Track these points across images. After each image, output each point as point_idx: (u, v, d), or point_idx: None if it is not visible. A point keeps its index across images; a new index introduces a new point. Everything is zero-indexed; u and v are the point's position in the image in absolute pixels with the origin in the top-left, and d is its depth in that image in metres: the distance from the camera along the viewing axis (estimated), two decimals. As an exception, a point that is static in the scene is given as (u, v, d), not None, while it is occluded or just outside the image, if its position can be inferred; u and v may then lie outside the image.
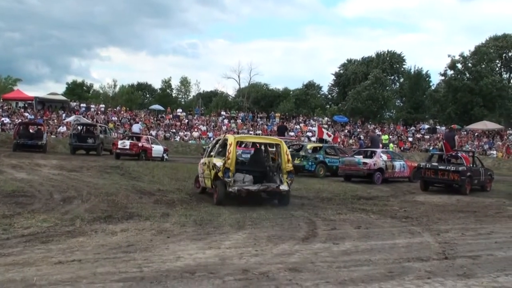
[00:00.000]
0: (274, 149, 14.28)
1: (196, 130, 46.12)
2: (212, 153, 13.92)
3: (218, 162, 12.65)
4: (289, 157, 13.06)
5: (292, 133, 44.21)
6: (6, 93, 58.75)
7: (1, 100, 50.43)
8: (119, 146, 27.85)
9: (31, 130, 31.98)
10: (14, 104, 49.91)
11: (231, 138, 13.10)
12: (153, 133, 41.67)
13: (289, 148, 23.40)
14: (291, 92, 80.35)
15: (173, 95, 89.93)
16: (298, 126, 49.74)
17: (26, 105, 48.45)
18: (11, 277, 5.59)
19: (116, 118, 46.60)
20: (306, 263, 6.71)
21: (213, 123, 49.31)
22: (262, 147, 14.73)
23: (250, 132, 44.86)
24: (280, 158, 13.11)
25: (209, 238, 8.17)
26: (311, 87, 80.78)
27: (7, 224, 8.56)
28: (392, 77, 77.26)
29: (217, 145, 13.98)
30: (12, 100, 51.01)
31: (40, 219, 9.12)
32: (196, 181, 15.14)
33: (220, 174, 12.35)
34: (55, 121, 42.46)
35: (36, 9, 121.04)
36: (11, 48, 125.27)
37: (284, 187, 12.64)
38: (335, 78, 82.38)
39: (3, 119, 40.50)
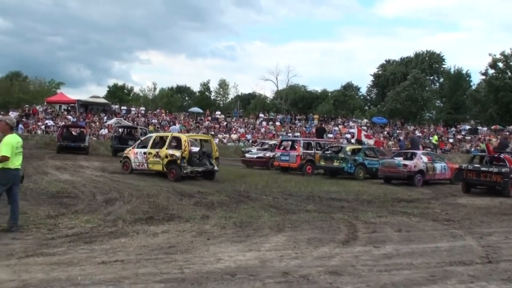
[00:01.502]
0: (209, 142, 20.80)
1: (234, 132, 46.29)
2: (146, 147, 19.86)
3: (176, 152, 18.46)
4: (215, 147, 20.17)
5: (330, 135, 43.88)
6: (50, 96, 60.25)
7: (45, 103, 51.75)
8: (159, 148, 28.17)
9: (74, 133, 32.75)
10: (57, 107, 51.10)
11: (184, 137, 19.38)
12: (192, 135, 41.97)
13: (327, 150, 23.58)
14: (329, 94, 79.95)
15: (212, 97, 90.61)
16: (336, 128, 49.39)
17: (69, 108, 49.53)
18: (56, 276, 5.72)
19: (156, 121, 47.19)
20: (346, 267, 6.65)
21: (251, 125, 49.43)
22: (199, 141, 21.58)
23: (289, 134, 44.74)
24: (211, 149, 19.89)
25: (249, 241, 8.17)
26: (349, 89, 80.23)
27: (52, 224, 8.77)
28: (432, 77, 76.08)
29: (152, 142, 19.92)
30: (56, 103, 52.24)
31: (83, 220, 9.31)
32: (124, 165, 20.42)
33: (178, 161, 18.22)
34: (97, 123, 43.29)
35: (77, 13, 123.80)
36: (54, 52, 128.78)
37: (215, 168, 19.33)
38: (373, 79, 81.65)
39: (47, 121, 41.52)
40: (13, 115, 43.65)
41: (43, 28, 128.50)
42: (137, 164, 19.83)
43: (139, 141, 21.78)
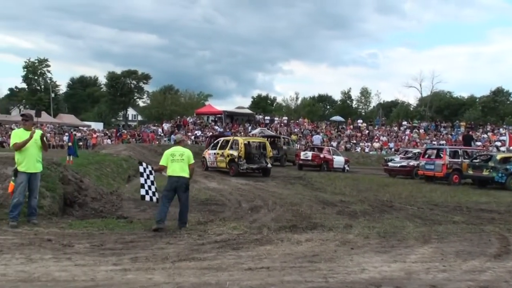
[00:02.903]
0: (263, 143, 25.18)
1: (377, 140, 45.37)
2: (215, 149, 24.59)
3: (234, 152, 22.77)
4: (270, 148, 24.51)
5: (479, 143, 41.16)
6: (199, 108, 63.76)
7: (195, 115, 54.88)
8: (302, 157, 28.54)
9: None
10: (205, 118, 53.91)
11: (240, 139, 24.01)
12: (334, 144, 41.90)
13: (475, 158, 22.25)
14: (477, 100, 75.49)
15: (353, 106, 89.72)
16: (485, 135, 46.16)
17: (216, 119, 52.03)
18: (206, 280, 6.00)
19: (298, 130, 47.82)
20: (499, 282, 6.22)
21: (394, 134, 48.06)
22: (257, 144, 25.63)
23: (434, 142, 42.80)
24: (266, 150, 23.96)
25: (394, 251, 7.95)
26: (499, 94, 74.81)
27: (202, 230, 9.24)
28: None
29: (221, 145, 24.34)
30: (204, 114, 55.16)
31: (230, 227, 9.69)
32: (202, 164, 25.28)
33: (236, 159, 22.46)
34: (242, 133, 44.89)
35: (224, 28, 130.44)
36: (202, 66, 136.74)
37: (269, 165, 23.02)
38: (528, 83, 75.28)
39: (196, 132, 43.98)
40: (166, 126, 46.95)
41: (193, 44, 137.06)
42: (210, 162, 24.76)
43: (212, 144, 26.33)
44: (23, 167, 9.11)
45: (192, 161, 9.78)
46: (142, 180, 9.88)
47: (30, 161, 9.17)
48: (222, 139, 25.73)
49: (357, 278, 6.24)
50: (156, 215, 9.42)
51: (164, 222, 9.21)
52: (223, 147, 23.94)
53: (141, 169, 9.92)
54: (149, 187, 9.86)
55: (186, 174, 9.62)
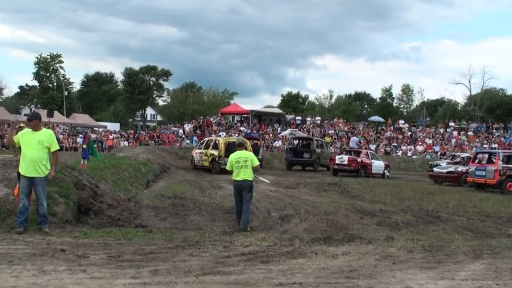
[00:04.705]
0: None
1: (420, 143, 44.90)
2: (202, 148, 28.60)
3: (215, 152, 26.68)
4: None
5: (536, 146, 40.46)
6: (223, 107, 63.96)
7: (219, 114, 55.05)
8: (337, 162, 28.41)
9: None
10: (230, 118, 54.07)
11: (221, 140, 27.85)
12: (373, 147, 41.63)
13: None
14: (535, 98, 73.88)
15: (394, 104, 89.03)
16: (546, 138, 45.34)
17: (242, 119, 52.14)
18: (233, 296, 6.02)
19: (332, 131, 47.65)
20: None
21: (439, 136, 47.48)
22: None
23: (485, 146, 42.21)
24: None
25: (441, 267, 7.84)
26: (561, 91, 73.34)
27: (227, 242, 9.26)
28: None
29: (206, 144, 28.64)
30: (229, 114, 55.32)
31: (259, 238, 9.69)
32: (191, 162, 30.09)
33: (216, 158, 26.34)
34: (271, 135, 44.91)
35: (251, 19, 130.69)
36: (227, 61, 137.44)
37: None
38: None
39: (220, 133, 44.17)
40: (187, 127, 47.28)
41: (217, 37, 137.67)
42: (197, 161, 28.95)
43: (199, 143, 31.39)
44: (23, 170, 9.29)
45: (257, 163, 11.45)
46: None
47: (30, 164, 9.30)
48: (206, 139, 30.79)
49: (400, 296, 6.18)
50: (236, 217, 11.29)
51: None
52: (208, 147, 28.03)
53: None
54: None
55: (250, 177, 11.26)
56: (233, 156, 11.36)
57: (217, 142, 27.74)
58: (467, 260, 8.49)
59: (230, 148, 25.64)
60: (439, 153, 41.65)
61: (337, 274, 7.19)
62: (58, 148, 10.00)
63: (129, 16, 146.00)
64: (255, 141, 33.95)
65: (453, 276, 7.32)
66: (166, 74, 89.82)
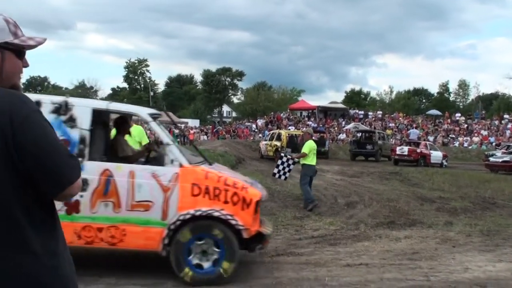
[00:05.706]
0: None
1: (476, 135, 43.24)
2: (268, 140, 29.63)
3: (278, 143, 27.03)
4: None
5: None
6: (292, 103, 63.96)
7: (288, 110, 55.12)
8: (398, 152, 27.83)
9: (313, 138, 34.22)
10: (299, 113, 53.96)
11: (283, 133, 29.09)
12: (431, 138, 40.49)
13: None
14: None
15: (451, 99, 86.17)
16: None
17: (309, 114, 51.95)
18: (305, 275, 6.05)
19: (393, 125, 46.68)
20: None
21: (494, 127, 45.53)
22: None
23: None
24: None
25: (499, 250, 7.61)
26: None
27: (298, 226, 9.30)
28: None
29: (271, 136, 29.74)
30: (297, 110, 55.24)
31: (327, 222, 9.67)
32: (259, 152, 30.25)
33: (279, 149, 25.64)
34: (336, 128, 44.53)
35: (316, 23, 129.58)
36: (295, 61, 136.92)
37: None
38: None
39: (289, 128, 44.19)
40: (260, 122, 47.60)
41: (285, 39, 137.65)
42: (263, 151, 29.36)
43: (266, 136, 32.45)
44: None
45: None
46: (279, 162, 12.08)
47: None
48: (272, 132, 32.00)
49: (460, 277, 6.04)
50: (308, 199, 11.29)
51: (314, 200, 11.43)
52: (272, 139, 28.74)
53: (284, 158, 12.11)
54: (284, 171, 11.89)
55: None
56: (312, 144, 11.62)
57: (280, 134, 28.77)
58: (525, 244, 8.18)
59: (291, 140, 27.94)
60: (494, 144, 39.91)
61: (401, 256, 7.11)
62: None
63: (206, 23, 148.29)
64: (322, 134, 33.79)
65: (510, 258, 7.11)
66: (240, 74, 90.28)
